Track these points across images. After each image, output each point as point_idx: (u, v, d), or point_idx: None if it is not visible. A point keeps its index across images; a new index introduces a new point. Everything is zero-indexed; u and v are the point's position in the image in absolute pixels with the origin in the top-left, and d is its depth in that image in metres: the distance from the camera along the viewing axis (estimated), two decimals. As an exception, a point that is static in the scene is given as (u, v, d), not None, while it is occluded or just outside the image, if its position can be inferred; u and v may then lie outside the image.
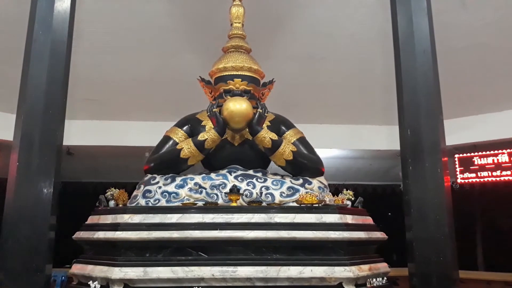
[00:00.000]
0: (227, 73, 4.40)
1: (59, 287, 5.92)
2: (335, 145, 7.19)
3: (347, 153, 7.74)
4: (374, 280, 3.65)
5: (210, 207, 3.67)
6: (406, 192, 3.61)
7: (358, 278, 3.45)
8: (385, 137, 7.19)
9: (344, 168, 8.34)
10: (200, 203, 3.82)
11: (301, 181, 4.14)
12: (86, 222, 3.93)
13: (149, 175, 4.18)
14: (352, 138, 7.14)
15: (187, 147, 4.15)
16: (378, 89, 6.52)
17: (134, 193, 4.11)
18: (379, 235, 3.96)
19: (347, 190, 4.05)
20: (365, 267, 3.59)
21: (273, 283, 3.32)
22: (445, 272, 3.33)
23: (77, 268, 3.71)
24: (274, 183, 4.08)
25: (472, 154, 7.02)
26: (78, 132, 6.74)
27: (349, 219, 3.65)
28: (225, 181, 4.05)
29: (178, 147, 4.21)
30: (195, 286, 3.21)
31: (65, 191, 8.56)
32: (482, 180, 7.11)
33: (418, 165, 3.51)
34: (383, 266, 3.90)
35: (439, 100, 3.65)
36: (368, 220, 3.98)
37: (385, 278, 3.83)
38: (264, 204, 3.85)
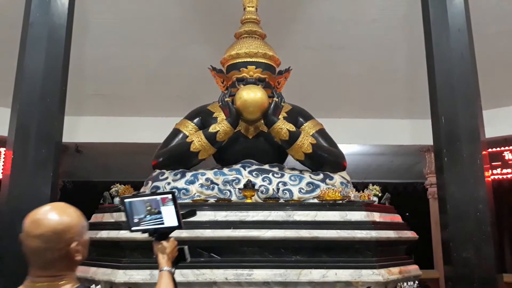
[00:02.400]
0: (240, 60, 4.09)
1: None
2: (355, 141, 6.81)
3: (367, 149, 7.36)
4: (405, 284, 3.30)
5: (223, 204, 3.37)
6: (440, 187, 3.25)
7: (388, 282, 3.10)
8: (408, 132, 6.79)
9: (364, 165, 7.96)
10: (212, 200, 3.51)
11: (321, 176, 3.80)
12: (89, 221, 3.66)
13: (158, 171, 3.90)
14: (372, 133, 6.75)
15: (197, 140, 3.85)
16: (401, 80, 6.14)
17: (142, 189, 3.83)
18: (409, 234, 3.60)
19: (373, 185, 3.69)
20: (395, 269, 3.24)
21: (293, 288, 3.00)
22: (487, 275, 2.95)
23: (80, 271, 3.42)
24: (292, 178, 3.75)
25: (503, 148, 6.57)
26: (87, 129, 6.51)
27: (376, 216, 3.30)
28: (238, 176, 3.73)
29: (188, 140, 3.91)
30: (207, 291, 2.90)
31: (75, 190, 8.37)
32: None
33: (455, 156, 3.14)
34: (414, 269, 3.54)
35: (477, 84, 3.27)
36: (397, 218, 3.62)
37: (417, 281, 3.47)
38: (281, 201, 3.53)
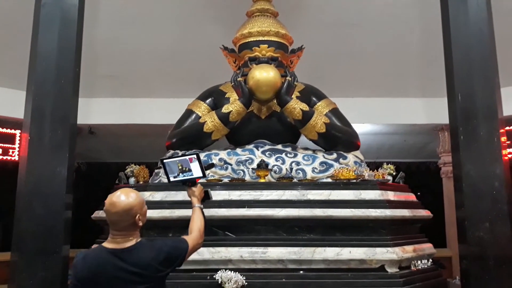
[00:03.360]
0: (252, 39, 4.05)
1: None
2: (368, 120, 6.72)
3: (380, 129, 7.27)
4: (419, 262, 3.30)
5: (237, 184, 3.39)
6: (456, 165, 3.20)
7: (402, 261, 3.11)
8: (422, 111, 6.68)
9: (376, 145, 7.88)
10: (225, 180, 3.53)
11: (335, 155, 3.79)
12: (105, 201, 3.70)
13: (171, 151, 3.93)
14: (386, 112, 6.64)
15: (210, 121, 3.85)
16: (416, 58, 6.00)
17: (156, 170, 3.87)
18: (423, 213, 3.59)
19: (387, 164, 3.67)
20: (409, 248, 3.24)
21: (307, 265, 3.03)
22: (503, 254, 2.92)
23: (97, 249, 3.50)
24: (305, 158, 3.75)
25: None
26: (100, 111, 6.50)
27: (390, 195, 3.29)
28: (252, 156, 3.74)
29: (201, 120, 3.92)
30: (222, 269, 2.94)
31: (89, 171, 8.47)
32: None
33: (471, 134, 3.08)
34: (428, 247, 3.54)
35: (495, 60, 3.19)
36: (411, 196, 3.61)
37: (431, 260, 3.47)
38: (295, 180, 3.54)
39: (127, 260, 1.67)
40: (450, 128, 3.31)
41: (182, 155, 2.30)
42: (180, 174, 2.27)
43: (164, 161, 2.30)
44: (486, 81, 3.11)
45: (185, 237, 2.00)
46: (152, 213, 3.11)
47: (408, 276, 3.08)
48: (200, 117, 4.00)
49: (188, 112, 4.14)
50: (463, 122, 3.13)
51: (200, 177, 2.29)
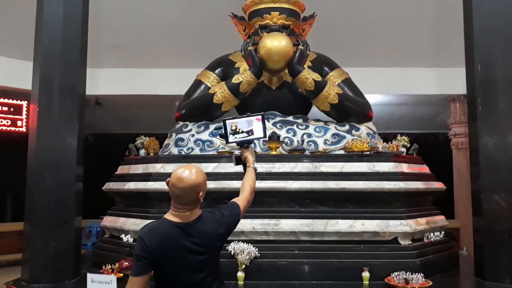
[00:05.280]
0: (263, 6, 3.90)
1: (95, 238, 5.89)
2: (378, 90, 6.59)
3: (390, 99, 7.15)
4: (432, 234, 3.28)
5: (248, 156, 3.34)
6: (473, 137, 3.14)
7: (415, 233, 3.09)
8: (433, 81, 6.54)
9: (385, 115, 7.78)
10: (236, 152, 3.48)
11: (347, 127, 3.73)
12: (116, 173, 3.69)
13: (181, 123, 3.87)
14: (396, 82, 6.50)
15: (220, 92, 3.77)
16: (428, 27, 5.82)
17: (166, 142, 3.83)
18: (437, 185, 3.54)
19: (401, 135, 3.60)
20: (422, 220, 3.22)
21: (320, 237, 3.02)
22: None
23: (109, 221, 3.51)
24: (317, 129, 3.69)
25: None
26: (106, 81, 6.43)
27: (405, 167, 3.24)
28: (262, 128, 3.67)
29: (210, 91, 3.84)
30: (235, 241, 2.94)
31: (97, 142, 8.45)
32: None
33: (490, 105, 3.00)
34: (440, 219, 3.51)
35: (517, 28, 3.07)
36: (425, 169, 3.55)
37: (443, 232, 3.45)
38: (306, 152, 3.49)
39: (193, 233, 1.76)
40: (467, 99, 3.23)
41: (248, 115, 2.19)
42: (230, 135, 2.18)
43: (227, 121, 2.19)
44: (507, 50, 3.00)
45: (236, 200, 2.05)
46: (164, 185, 3.08)
47: (421, 248, 3.07)
48: (209, 88, 3.92)
49: (197, 83, 4.06)
50: (481, 93, 3.05)
51: (261, 138, 2.24)
